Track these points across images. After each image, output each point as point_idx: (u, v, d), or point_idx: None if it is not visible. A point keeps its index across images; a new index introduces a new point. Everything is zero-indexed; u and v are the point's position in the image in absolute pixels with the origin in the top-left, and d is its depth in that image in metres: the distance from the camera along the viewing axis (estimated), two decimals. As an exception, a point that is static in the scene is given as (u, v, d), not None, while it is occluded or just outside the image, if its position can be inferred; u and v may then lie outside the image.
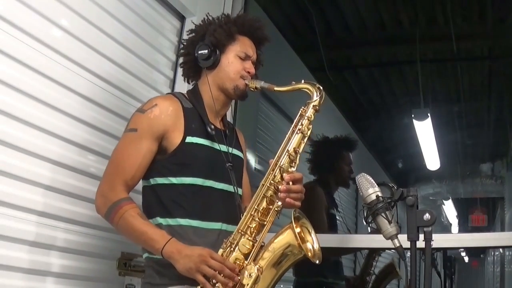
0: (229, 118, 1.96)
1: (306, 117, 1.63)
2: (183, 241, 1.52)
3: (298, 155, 1.61)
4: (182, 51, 1.81)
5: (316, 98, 1.64)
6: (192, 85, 1.82)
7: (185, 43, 1.80)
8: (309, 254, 1.53)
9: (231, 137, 1.78)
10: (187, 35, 1.81)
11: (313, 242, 1.57)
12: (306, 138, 1.63)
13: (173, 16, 2.41)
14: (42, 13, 1.70)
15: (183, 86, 2.31)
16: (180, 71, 2.34)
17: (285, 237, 1.52)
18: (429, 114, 5.14)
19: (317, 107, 1.64)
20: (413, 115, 5.19)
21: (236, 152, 1.76)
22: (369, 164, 6.83)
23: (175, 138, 1.61)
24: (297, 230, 1.54)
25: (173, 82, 2.39)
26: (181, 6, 2.39)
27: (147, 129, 1.60)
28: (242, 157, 1.82)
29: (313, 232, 1.59)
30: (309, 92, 1.65)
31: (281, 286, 3.36)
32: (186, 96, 1.74)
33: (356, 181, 1.54)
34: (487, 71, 5.88)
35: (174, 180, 1.60)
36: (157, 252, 1.51)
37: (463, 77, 5.84)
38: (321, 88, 1.65)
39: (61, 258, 1.76)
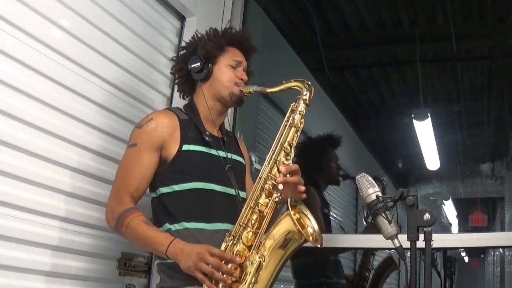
0: (230, 119, 1.98)
1: (297, 112, 1.70)
2: (191, 243, 1.56)
3: (293, 148, 1.67)
4: (174, 68, 1.88)
5: (305, 93, 1.70)
6: (187, 100, 1.88)
7: (177, 60, 1.88)
8: (310, 238, 1.57)
9: (230, 143, 1.84)
10: (179, 52, 1.88)
11: (313, 226, 1.61)
12: (300, 131, 1.70)
13: (173, 16, 2.41)
14: (41, 13, 1.70)
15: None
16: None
17: (285, 225, 1.55)
18: (429, 114, 5.13)
19: (307, 101, 1.70)
20: (413, 115, 5.18)
21: (236, 157, 1.82)
22: (369, 164, 6.84)
23: (173, 148, 1.69)
24: (296, 216, 1.57)
25: (173, 82, 2.38)
26: (181, 6, 2.39)
27: (146, 142, 1.68)
28: (243, 162, 1.88)
29: (311, 216, 1.63)
30: (298, 89, 1.72)
31: (281, 286, 3.36)
32: (183, 110, 1.82)
33: (356, 181, 1.54)
34: (487, 71, 5.88)
35: (176, 187, 1.67)
36: (162, 254, 1.57)
37: (463, 77, 5.83)
38: (310, 83, 1.73)
39: (61, 258, 1.76)
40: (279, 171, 1.62)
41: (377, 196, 1.48)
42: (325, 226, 2.93)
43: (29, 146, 1.65)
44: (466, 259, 14.70)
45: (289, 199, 1.60)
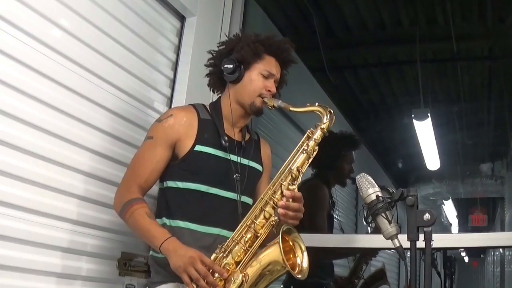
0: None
1: (313, 139, 1.69)
2: (182, 242, 1.59)
3: (301, 174, 1.66)
4: (209, 61, 1.87)
5: (326, 121, 1.69)
6: (218, 94, 1.90)
7: (214, 54, 1.86)
8: (296, 269, 1.55)
9: (249, 148, 1.83)
10: (218, 47, 1.86)
11: (303, 260, 1.58)
12: (311, 159, 1.69)
13: (173, 16, 2.41)
14: (41, 13, 1.70)
15: (183, 87, 2.33)
16: (180, 71, 2.38)
17: (273, 252, 1.53)
18: (429, 114, 5.13)
19: (325, 130, 1.70)
20: (413, 115, 5.19)
21: (252, 163, 1.82)
22: (369, 164, 6.83)
23: (186, 146, 1.72)
24: (289, 243, 1.57)
25: (173, 82, 2.38)
26: (181, 6, 2.39)
27: (162, 137, 1.73)
28: (259, 169, 1.86)
29: (304, 249, 1.60)
30: (320, 114, 1.71)
31: (281, 286, 3.35)
32: (207, 107, 1.82)
33: (356, 181, 1.54)
34: (487, 71, 5.88)
35: (180, 184, 1.71)
36: (156, 248, 1.61)
37: (463, 77, 5.83)
38: (332, 112, 1.71)
39: (61, 258, 1.76)
40: (282, 195, 1.62)
41: (377, 196, 1.48)
42: (329, 228, 2.92)
43: (26, 144, 1.66)
44: (466, 259, 14.71)
45: (283, 226, 1.56)
